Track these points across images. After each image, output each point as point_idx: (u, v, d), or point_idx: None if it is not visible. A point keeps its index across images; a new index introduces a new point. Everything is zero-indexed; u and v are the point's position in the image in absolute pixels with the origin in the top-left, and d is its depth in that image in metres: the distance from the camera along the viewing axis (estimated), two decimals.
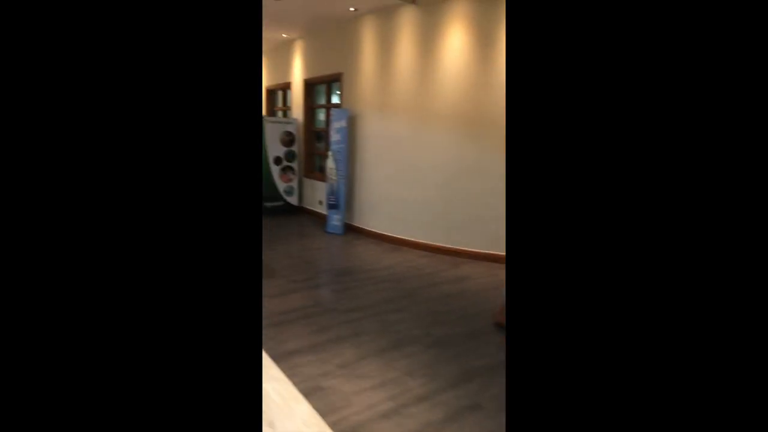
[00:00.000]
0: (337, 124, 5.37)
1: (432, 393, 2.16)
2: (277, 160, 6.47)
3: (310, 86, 6.51)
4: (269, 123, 6.36)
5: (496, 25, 4.15)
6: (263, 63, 7.81)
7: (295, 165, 6.65)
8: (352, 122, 5.46)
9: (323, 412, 1.98)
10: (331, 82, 6.07)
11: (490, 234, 4.39)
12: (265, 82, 7.77)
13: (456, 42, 4.34)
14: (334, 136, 5.41)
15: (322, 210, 6.15)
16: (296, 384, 2.24)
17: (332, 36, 5.78)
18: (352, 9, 4.95)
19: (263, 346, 2.53)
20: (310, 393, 2.15)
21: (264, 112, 7.56)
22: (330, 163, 5.50)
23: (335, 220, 5.52)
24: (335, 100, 6.12)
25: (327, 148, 5.75)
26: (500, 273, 4.03)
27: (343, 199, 5.46)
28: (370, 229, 5.39)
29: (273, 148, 6.39)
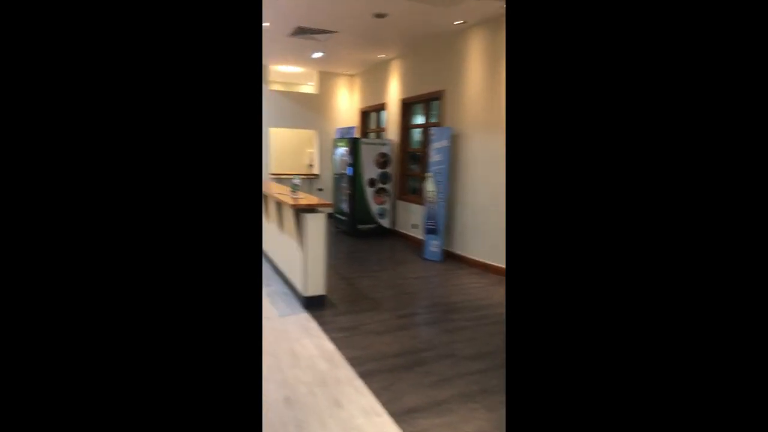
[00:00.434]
0: (438, 144, 5.05)
1: None
2: (371, 182, 6.31)
3: (407, 106, 6.32)
4: (364, 144, 6.26)
5: None
6: (357, 85, 7.84)
7: (389, 187, 6.45)
8: (454, 141, 5.10)
9: None
10: (431, 100, 5.80)
11: None
12: (359, 103, 7.78)
13: None
14: (434, 157, 5.09)
15: (416, 234, 5.82)
16: None
17: (434, 53, 5.53)
18: (458, 22, 4.66)
19: (378, 395, 2.24)
20: None
21: (357, 133, 7.54)
22: (429, 185, 5.17)
23: (433, 246, 5.14)
24: (434, 120, 5.83)
25: (424, 170, 5.43)
26: None
27: (443, 223, 5.08)
28: (472, 257, 4.92)
29: (367, 169, 6.25)
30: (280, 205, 4.02)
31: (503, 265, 4.51)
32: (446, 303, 3.74)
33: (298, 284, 3.56)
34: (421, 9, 4.23)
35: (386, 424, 1.98)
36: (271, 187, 4.68)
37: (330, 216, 5.52)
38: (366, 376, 2.41)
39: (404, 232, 6.32)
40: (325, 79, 7.79)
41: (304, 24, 4.86)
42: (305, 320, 3.20)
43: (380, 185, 6.38)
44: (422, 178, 5.19)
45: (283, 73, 7.82)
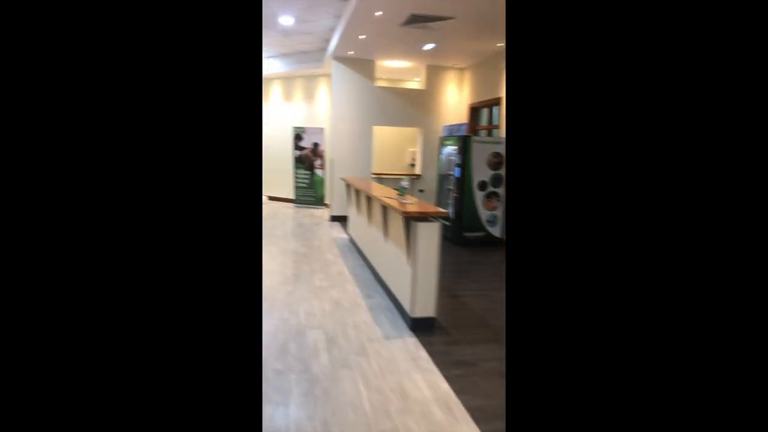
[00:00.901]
0: None
1: None
2: (482, 185, 5.68)
3: None
4: (476, 143, 5.64)
5: None
6: (467, 79, 7.23)
7: (501, 191, 5.75)
8: None
9: None
10: None
11: None
12: (469, 99, 7.17)
13: None
14: None
15: None
16: None
17: None
18: None
19: None
20: None
21: (468, 130, 6.94)
22: None
23: None
24: None
25: None
26: None
27: None
28: None
29: (478, 171, 5.63)
30: (385, 209, 3.63)
31: None
32: None
33: (405, 302, 3.13)
34: None
35: None
36: (373, 189, 4.34)
37: None
38: None
39: None
40: (433, 73, 7.32)
41: (418, 11, 4.42)
42: (413, 347, 2.75)
43: (492, 189, 5.71)
44: None
45: (389, 69, 7.52)
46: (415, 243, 2.93)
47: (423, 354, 2.66)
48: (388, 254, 3.67)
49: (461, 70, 7.40)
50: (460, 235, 5.73)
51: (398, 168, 8.27)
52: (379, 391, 2.23)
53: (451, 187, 5.88)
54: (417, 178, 7.59)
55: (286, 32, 6.38)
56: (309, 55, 7.71)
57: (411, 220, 2.94)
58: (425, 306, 2.99)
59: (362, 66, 6.97)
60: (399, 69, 7.53)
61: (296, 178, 8.60)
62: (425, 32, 5.21)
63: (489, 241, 5.78)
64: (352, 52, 6.52)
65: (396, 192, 3.85)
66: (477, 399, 2.18)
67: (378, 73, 7.30)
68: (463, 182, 5.63)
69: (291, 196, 8.98)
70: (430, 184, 7.44)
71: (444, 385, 2.30)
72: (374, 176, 7.36)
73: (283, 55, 8.03)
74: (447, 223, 5.92)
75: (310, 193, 8.56)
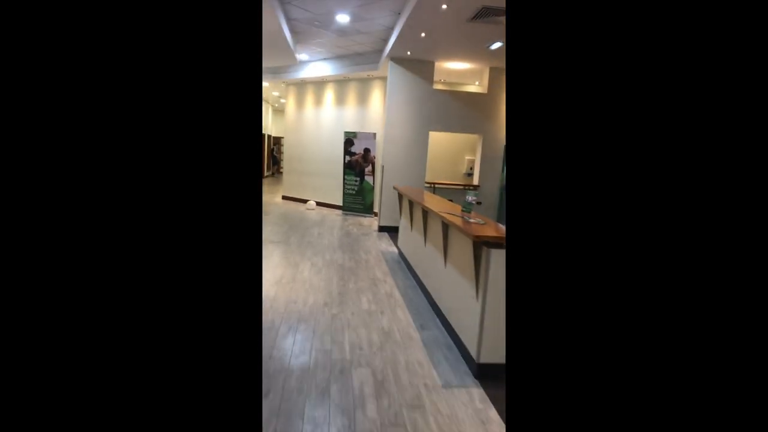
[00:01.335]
0: None
1: None
2: None
3: None
4: None
5: None
6: None
7: None
8: None
9: None
10: None
11: None
12: None
13: None
14: None
15: None
16: None
17: None
18: None
19: None
20: None
21: None
22: None
23: None
24: None
25: None
26: None
27: None
28: None
29: None
30: (447, 228, 3.13)
31: None
32: None
33: (469, 342, 2.61)
34: None
35: None
36: (430, 201, 3.85)
37: None
38: None
39: None
40: (497, 76, 6.73)
41: (493, 2, 3.91)
42: (480, 402, 2.22)
43: None
44: None
45: (447, 71, 7.02)
46: (486, 273, 2.41)
47: (493, 414, 2.13)
48: (448, 281, 3.16)
49: None
50: None
51: (454, 177, 7.72)
52: None
53: None
54: (475, 189, 7.00)
55: (341, 31, 6.07)
56: (364, 56, 7.38)
57: (483, 245, 2.42)
58: (495, 351, 2.46)
59: (420, 68, 6.52)
60: (458, 72, 7.01)
61: (345, 184, 8.29)
62: (495, 28, 4.68)
63: None
64: (410, 53, 6.09)
65: (460, 207, 3.35)
66: None
67: (435, 76, 6.82)
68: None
69: (339, 202, 8.69)
70: (490, 198, 6.83)
71: None
72: (427, 185, 6.87)
73: (337, 57, 7.77)
74: None
75: (358, 201, 8.21)
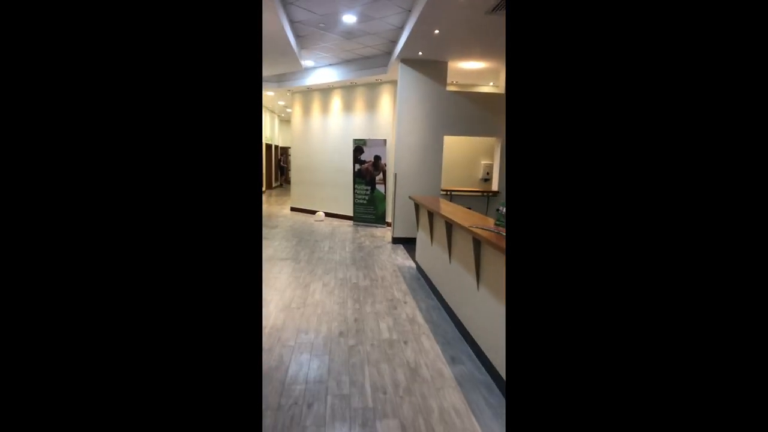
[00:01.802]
0: None
1: None
2: None
3: None
4: None
5: None
6: None
7: None
8: None
9: None
10: None
11: None
12: None
13: None
14: None
15: None
16: None
17: None
18: None
19: None
20: None
21: None
22: None
23: None
24: None
25: None
26: None
27: None
28: None
29: None
30: (479, 245, 2.72)
31: None
32: None
33: None
34: None
35: None
36: (451, 211, 3.42)
37: None
38: None
39: None
40: None
41: None
42: None
43: None
44: None
45: (461, 72, 6.63)
46: None
47: None
48: (483, 308, 2.74)
49: None
50: None
51: (470, 183, 7.30)
52: None
53: None
54: (493, 195, 6.58)
55: (348, 33, 5.73)
56: (372, 60, 7.03)
57: None
58: None
59: (433, 69, 6.14)
60: (471, 72, 6.62)
61: (355, 194, 7.91)
62: None
63: None
64: (421, 53, 5.72)
65: (491, 220, 2.93)
66: None
67: (450, 76, 6.43)
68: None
69: (349, 212, 8.31)
70: None
71: None
72: (443, 193, 6.46)
73: (344, 62, 7.43)
74: None
75: (369, 211, 7.82)
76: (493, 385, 2.43)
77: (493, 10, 3.98)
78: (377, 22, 5.24)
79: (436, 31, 4.72)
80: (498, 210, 2.74)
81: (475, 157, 7.36)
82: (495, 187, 6.60)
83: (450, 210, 3.58)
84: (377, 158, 7.59)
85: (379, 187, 7.65)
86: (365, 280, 4.48)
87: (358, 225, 7.89)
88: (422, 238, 4.63)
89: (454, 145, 7.12)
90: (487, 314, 2.62)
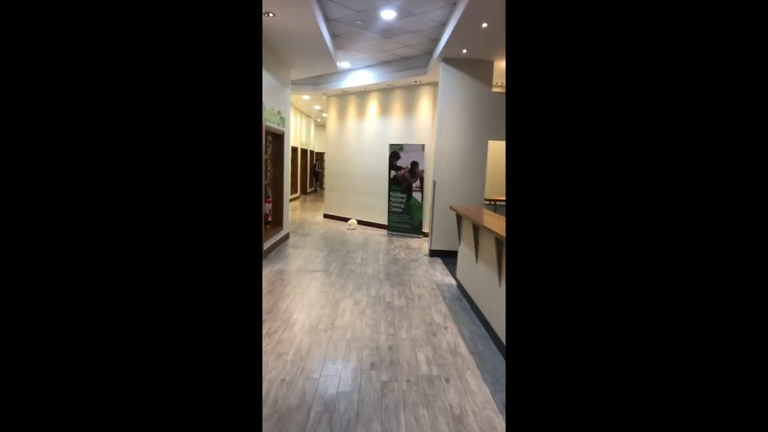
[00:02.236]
0: None
1: None
2: None
3: None
4: None
5: None
6: None
7: None
8: None
9: None
10: None
11: None
12: None
13: None
14: None
15: None
16: None
17: None
18: None
19: None
20: None
21: None
22: None
23: None
24: None
25: None
26: None
27: None
28: None
29: None
30: None
31: None
32: None
33: None
34: None
35: None
36: (501, 226, 2.94)
37: None
38: None
39: None
40: None
41: None
42: None
43: None
44: None
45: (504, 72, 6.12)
46: None
47: None
48: None
49: None
50: None
51: None
52: None
53: None
54: None
55: (386, 32, 5.38)
56: (411, 60, 6.66)
57: None
58: None
59: (477, 68, 5.68)
60: None
61: (390, 201, 7.53)
62: None
63: None
64: (465, 51, 5.28)
65: None
66: None
67: (495, 77, 5.95)
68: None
69: (383, 221, 7.93)
70: None
71: None
72: (487, 203, 5.95)
73: (382, 63, 7.10)
74: None
75: (405, 220, 7.41)
76: None
77: None
78: (418, 18, 4.86)
79: (485, 25, 4.28)
80: None
81: None
82: None
83: (500, 225, 3.11)
84: (414, 164, 7.18)
85: (416, 195, 7.23)
86: (400, 298, 4.06)
87: (392, 234, 7.49)
88: (465, 253, 4.17)
89: (500, 150, 6.60)
90: None
